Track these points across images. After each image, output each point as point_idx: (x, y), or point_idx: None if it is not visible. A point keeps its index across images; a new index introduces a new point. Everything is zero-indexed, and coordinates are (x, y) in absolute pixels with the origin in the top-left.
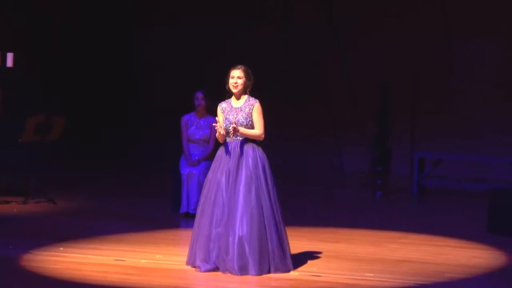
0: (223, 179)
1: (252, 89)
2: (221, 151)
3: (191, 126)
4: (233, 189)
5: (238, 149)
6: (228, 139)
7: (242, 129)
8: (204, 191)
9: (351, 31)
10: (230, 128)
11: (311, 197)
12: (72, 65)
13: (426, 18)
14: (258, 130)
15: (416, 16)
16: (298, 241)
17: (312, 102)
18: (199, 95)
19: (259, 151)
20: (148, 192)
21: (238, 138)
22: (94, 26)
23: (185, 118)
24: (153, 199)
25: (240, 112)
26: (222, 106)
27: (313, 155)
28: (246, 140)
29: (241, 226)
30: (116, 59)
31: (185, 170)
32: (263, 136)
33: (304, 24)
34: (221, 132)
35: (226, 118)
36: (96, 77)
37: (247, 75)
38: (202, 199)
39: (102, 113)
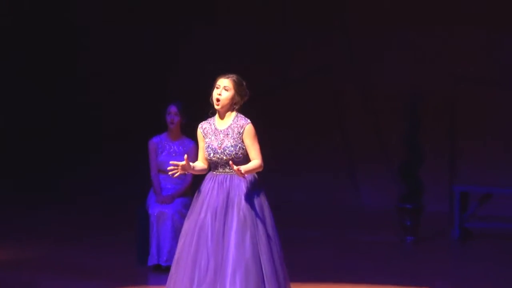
0: (209, 219)
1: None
2: (203, 185)
3: (162, 151)
4: (221, 235)
5: (228, 183)
6: (214, 172)
7: (246, 168)
8: (182, 236)
9: (367, 28)
10: (224, 162)
11: (320, 243)
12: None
13: (467, 10)
14: (256, 160)
15: (453, 8)
16: None
17: (320, 121)
18: (173, 109)
19: (254, 185)
20: (105, 237)
21: (226, 170)
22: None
23: (154, 142)
24: (112, 247)
25: (226, 136)
26: (203, 127)
27: (322, 189)
28: None
29: (233, 284)
30: (53, 68)
31: (154, 209)
32: (263, 165)
33: (307, 23)
34: (181, 172)
35: (208, 145)
36: (29, 91)
37: (237, 87)
38: (179, 247)
39: (40, 136)
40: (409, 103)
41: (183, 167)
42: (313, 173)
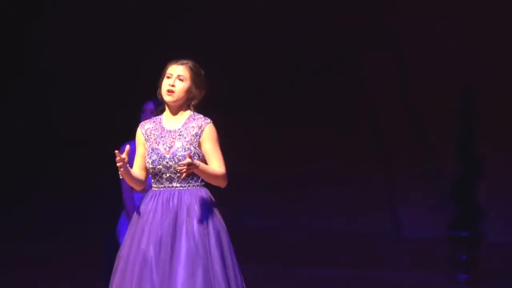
0: (151, 252)
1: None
2: (144, 205)
3: None
4: (167, 269)
5: (175, 202)
6: (157, 187)
7: (203, 166)
8: (116, 276)
9: (408, 7)
10: (180, 163)
11: (348, 283)
12: None
13: None
14: (218, 168)
15: None
16: None
17: (345, 125)
18: (149, 106)
19: (210, 207)
20: (64, 273)
21: (174, 184)
22: None
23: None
24: (75, 282)
25: (178, 138)
26: (145, 128)
27: (349, 213)
28: (189, 188)
29: None
30: None
31: None
32: (226, 179)
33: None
34: (124, 169)
35: (152, 150)
36: None
37: (195, 77)
38: None
39: None
40: (463, 100)
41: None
42: (338, 193)
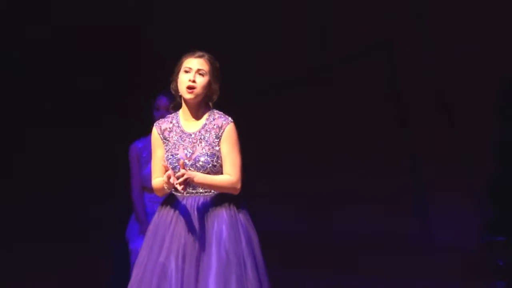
0: (172, 264)
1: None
2: (163, 212)
3: (149, 160)
4: (192, 284)
5: (201, 209)
6: (179, 193)
7: (201, 176)
8: (133, 286)
9: None
10: (176, 173)
11: None
12: None
13: None
14: (230, 175)
15: None
16: None
17: (371, 122)
18: (163, 101)
19: (238, 212)
20: (69, 283)
21: (199, 190)
22: None
23: (137, 147)
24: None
25: (199, 142)
26: (162, 128)
27: (375, 220)
28: (215, 193)
29: None
30: None
31: (137, 244)
32: (239, 186)
33: None
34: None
35: (172, 156)
36: None
37: (213, 70)
38: None
39: None
40: (500, 95)
41: (184, 179)
42: (363, 197)
